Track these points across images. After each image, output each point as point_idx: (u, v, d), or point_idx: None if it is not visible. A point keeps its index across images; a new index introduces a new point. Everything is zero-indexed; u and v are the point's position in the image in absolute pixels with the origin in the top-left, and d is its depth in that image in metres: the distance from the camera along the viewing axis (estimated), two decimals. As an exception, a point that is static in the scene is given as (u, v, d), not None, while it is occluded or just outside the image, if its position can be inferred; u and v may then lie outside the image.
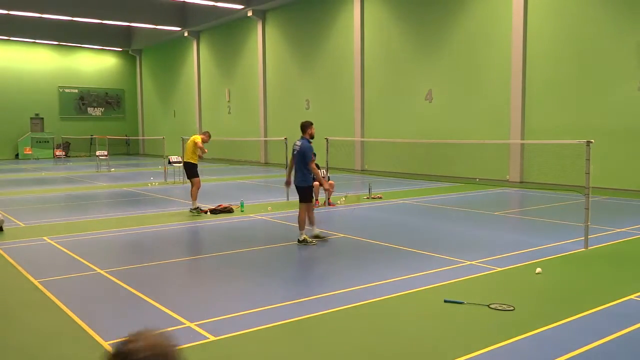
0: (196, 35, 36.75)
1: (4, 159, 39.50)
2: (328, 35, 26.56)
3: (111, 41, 42.71)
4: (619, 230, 10.28)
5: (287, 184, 10.11)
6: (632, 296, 6.30)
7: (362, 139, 23.91)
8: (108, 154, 29.32)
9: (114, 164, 30.42)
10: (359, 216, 12.53)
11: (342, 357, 4.76)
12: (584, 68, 17.16)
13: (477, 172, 19.83)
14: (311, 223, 9.59)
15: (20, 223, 11.86)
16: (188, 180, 13.81)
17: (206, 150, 13.43)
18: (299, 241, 9.27)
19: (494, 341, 4.96)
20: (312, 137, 9.63)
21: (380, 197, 15.24)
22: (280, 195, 15.62)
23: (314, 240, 9.34)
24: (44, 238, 10.13)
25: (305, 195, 9.46)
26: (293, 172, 9.56)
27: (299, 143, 9.47)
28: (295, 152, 9.47)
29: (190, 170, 13.28)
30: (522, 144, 18.80)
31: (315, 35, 27.28)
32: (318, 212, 13.01)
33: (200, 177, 13.46)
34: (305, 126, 9.61)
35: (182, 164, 20.86)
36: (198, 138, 13.35)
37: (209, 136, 13.78)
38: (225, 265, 8.12)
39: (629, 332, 5.20)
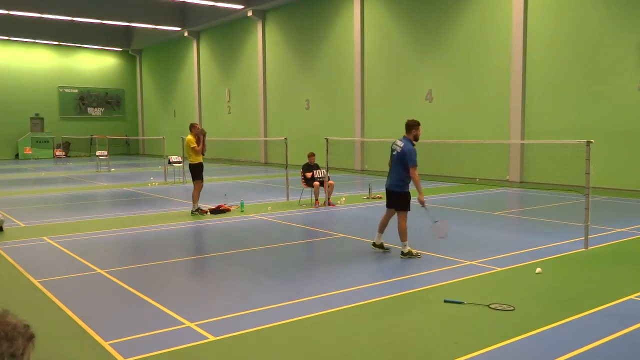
0: (196, 35, 36.74)
1: (4, 159, 39.51)
2: (328, 35, 26.56)
3: (111, 41, 42.72)
4: (619, 230, 10.27)
5: None
6: (632, 296, 6.30)
7: (362, 139, 23.91)
8: (108, 154, 29.32)
9: (114, 164, 30.42)
10: (359, 216, 12.53)
11: (342, 357, 4.76)
12: (583, 68, 17.16)
13: (477, 172, 19.82)
14: (380, 230, 8.65)
15: (20, 223, 11.86)
16: (189, 181, 13.59)
17: (199, 148, 12.86)
18: (402, 253, 8.28)
19: (494, 341, 4.96)
20: (416, 139, 8.48)
21: (380, 197, 15.23)
22: (280, 195, 15.63)
23: (419, 253, 8.36)
24: (44, 238, 10.13)
25: (403, 202, 8.38)
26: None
27: (400, 143, 8.41)
28: (394, 153, 8.41)
29: (192, 172, 13.18)
30: (522, 144, 18.80)
31: (315, 35, 27.28)
32: (317, 212, 13.03)
33: (203, 177, 13.32)
34: (411, 126, 8.47)
35: (181, 164, 20.97)
36: (190, 139, 12.94)
37: (197, 129, 12.99)
38: (225, 265, 8.11)
39: (629, 332, 5.20)
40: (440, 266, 7.72)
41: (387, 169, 8.81)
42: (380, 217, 8.81)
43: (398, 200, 8.43)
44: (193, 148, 12.89)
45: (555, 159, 16.42)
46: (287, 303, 6.13)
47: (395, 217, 8.50)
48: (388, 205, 8.65)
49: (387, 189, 8.60)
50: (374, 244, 8.72)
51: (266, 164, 30.77)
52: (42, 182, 22.03)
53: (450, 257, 8.22)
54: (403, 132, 8.71)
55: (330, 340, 5.13)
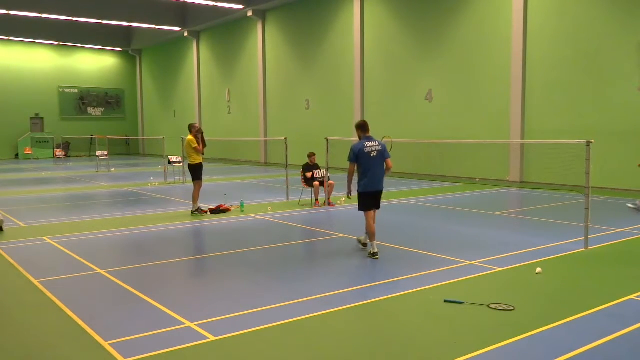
0: (196, 35, 36.75)
1: (4, 159, 39.51)
2: (328, 35, 26.57)
3: (111, 41, 42.73)
4: (619, 230, 10.27)
5: (352, 194, 8.65)
6: (632, 296, 6.30)
7: (362, 139, 23.88)
8: (108, 154, 29.33)
9: (114, 164, 30.43)
10: (359, 216, 12.51)
11: (342, 357, 4.76)
12: (583, 68, 17.16)
13: (477, 172, 19.83)
14: (374, 238, 8.46)
15: (20, 223, 11.86)
16: (189, 181, 13.60)
17: (200, 148, 12.83)
18: (373, 254, 8.26)
19: (494, 341, 4.96)
20: None
21: (380, 197, 15.23)
22: (281, 195, 15.63)
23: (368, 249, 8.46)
24: (44, 238, 10.13)
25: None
26: (364, 177, 8.35)
27: (375, 143, 8.36)
28: (375, 154, 8.30)
29: (191, 172, 13.18)
30: (522, 144, 18.81)
31: (315, 35, 27.29)
32: (317, 212, 13.03)
33: (202, 177, 13.31)
34: (367, 124, 8.61)
35: (181, 164, 20.99)
36: (191, 139, 12.89)
37: (197, 129, 13.00)
38: (225, 265, 8.11)
39: (629, 332, 5.20)
40: (440, 266, 7.72)
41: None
42: (366, 225, 8.48)
43: (380, 198, 8.56)
44: (195, 148, 12.89)
45: (555, 159, 16.43)
46: (287, 303, 6.13)
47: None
48: (372, 207, 8.49)
49: (376, 191, 8.42)
50: (374, 254, 8.24)
51: (266, 164, 30.78)
52: (42, 182, 22.03)
53: (450, 257, 8.22)
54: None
55: (330, 340, 5.14)
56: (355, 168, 8.46)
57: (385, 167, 8.44)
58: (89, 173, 25.85)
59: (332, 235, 10.09)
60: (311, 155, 14.29)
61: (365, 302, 6.15)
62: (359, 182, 8.41)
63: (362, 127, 8.54)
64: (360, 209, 8.52)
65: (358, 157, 8.32)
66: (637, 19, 15.93)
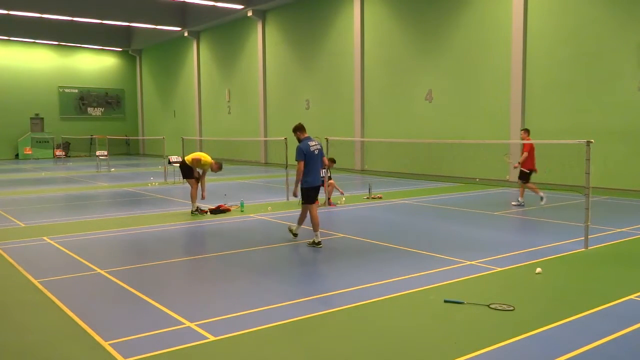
0: (196, 35, 36.75)
1: (4, 159, 39.51)
2: (328, 36, 26.56)
3: (111, 41, 42.72)
4: (619, 230, 10.28)
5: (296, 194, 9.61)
6: (632, 296, 6.30)
7: (362, 139, 23.91)
8: (108, 154, 29.32)
9: (114, 164, 30.43)
10: (359, 216, 12.54)
11: (342, 357, 4.76)
12: (583, 68, 17.15)
13: (477, 172, 19.82)
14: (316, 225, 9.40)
15: (20, 223, 11.85)
16: (187, 180, 13.56)
17: (196, 173, 12.92)
18: (315, 243, 9.12)
19: (494, 341, 4.96)
20: None
21: (380, 197, 15.25)
22: (280, 195, 15.63)
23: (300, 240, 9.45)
24: (44, 238, 10.13)
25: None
26: (309, 174, 9.15)
27: (314, 142, 9.22)
28: (317, 152, 9.19)
29: (184, 171, 13.16)
30: (522, 144, 18.77)
31: (315, 35, 27.28)
32: (318, 212, 13.00)
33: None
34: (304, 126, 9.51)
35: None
36: (206, 159, 12.88)
37: (219, 168, 13.15)
38: (225, 265, 8.12)
39: (629, 332, 5.20)
40: (440, 266, 7.73)
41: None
42: (305, 217, 9.45)
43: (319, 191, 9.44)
44: (195, 162, 12.83)
45: (555, 159, 16.42)
46: (287, 303, 6.13)
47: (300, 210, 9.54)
48: (314, 201, 9.32)
49: (317, 186, 9.28)
50: (318, 243, 9.10)
51: (266, 164, 30.78)
52: (42, 182, 22.02)
53: (450, 257, 8.22)
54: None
55: (330, 340, 5.14)
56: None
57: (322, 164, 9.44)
58: (89, 173, 25.85)
59: (332, 235, 10.09)
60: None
61: (366, 302, 6.15)
62: (304, 179, 9.13)
63: (302, 129, 9.35)
64: (305, 202, 9.32)
65: (306, 155, 9.06)
66: (637, 19, 15.93)
